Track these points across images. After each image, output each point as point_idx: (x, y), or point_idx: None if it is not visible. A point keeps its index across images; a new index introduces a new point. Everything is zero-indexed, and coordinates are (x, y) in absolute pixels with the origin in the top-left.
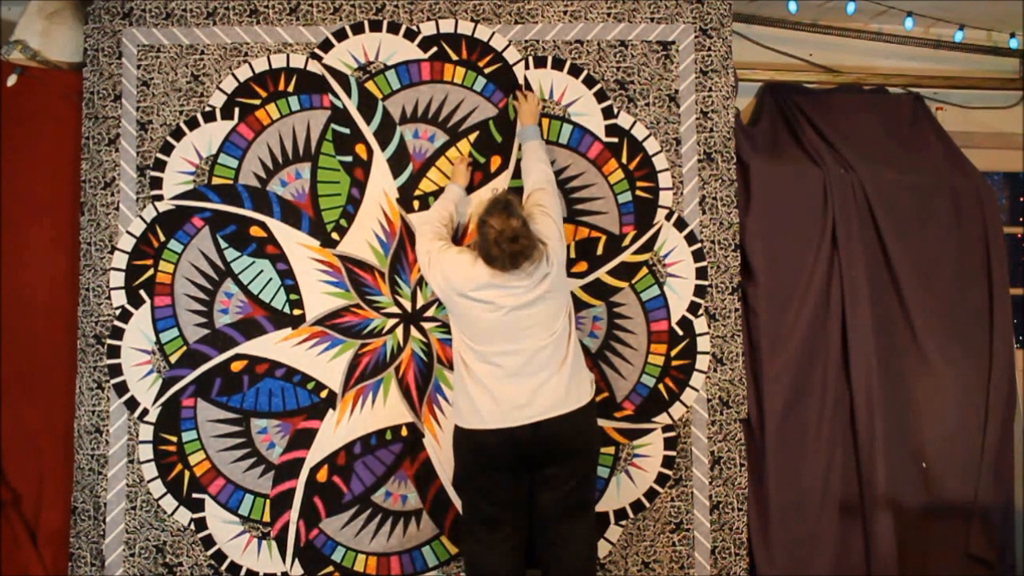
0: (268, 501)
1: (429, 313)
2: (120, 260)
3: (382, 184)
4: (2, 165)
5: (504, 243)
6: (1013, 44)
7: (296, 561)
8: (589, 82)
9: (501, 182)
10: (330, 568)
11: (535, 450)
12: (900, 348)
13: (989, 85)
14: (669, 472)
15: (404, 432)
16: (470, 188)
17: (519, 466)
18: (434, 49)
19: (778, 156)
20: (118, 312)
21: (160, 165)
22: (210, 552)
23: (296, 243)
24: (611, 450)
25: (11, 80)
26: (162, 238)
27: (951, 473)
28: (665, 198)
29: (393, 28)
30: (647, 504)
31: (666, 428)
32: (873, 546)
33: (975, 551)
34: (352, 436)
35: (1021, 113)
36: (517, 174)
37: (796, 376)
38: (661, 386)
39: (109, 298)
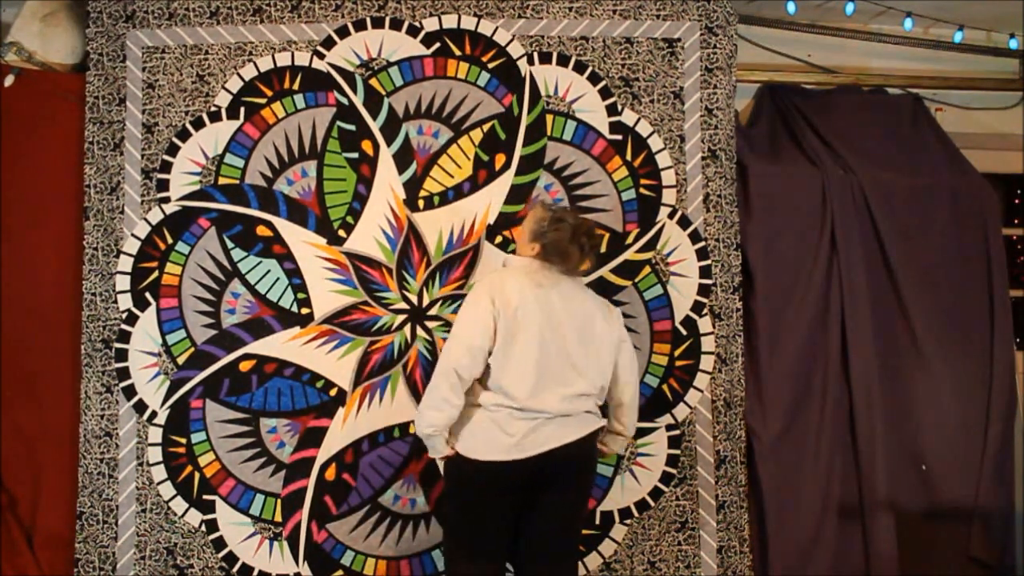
0: (279, 501)
1: (433, 312)
2: (126, 263)
3: (388, 180)
4: (2, 167)
5: (583, 237)
6: (1013, 44)
7: (306, 564)
8: (594, 79)
9: (504, 181)
10: (339, 572)
11: (542, 474)
12: (900, 350)
13: (988, 86)
14: (674, 471)
15: (412, 429)
16: (475, 186)
17: (520, 492)
18: (437, 45)
19: (777, 158)
20: (124, 316)
21: (166, 167)
22: (221, 554)
23: (303, 242)
24: None
25: (8, 80)
26: (169, 240)
27: (951, 475)
28: (668, 196)
29: (395, 24)
30: (652, 503)
31: (670, 427)
32: (874, 548)
33: (976, 553)
34: (360, 433)
35: (1021, 114)
36: (520, 172)
37: (796, 379)
38: (665, 387)
39: (116, 302)
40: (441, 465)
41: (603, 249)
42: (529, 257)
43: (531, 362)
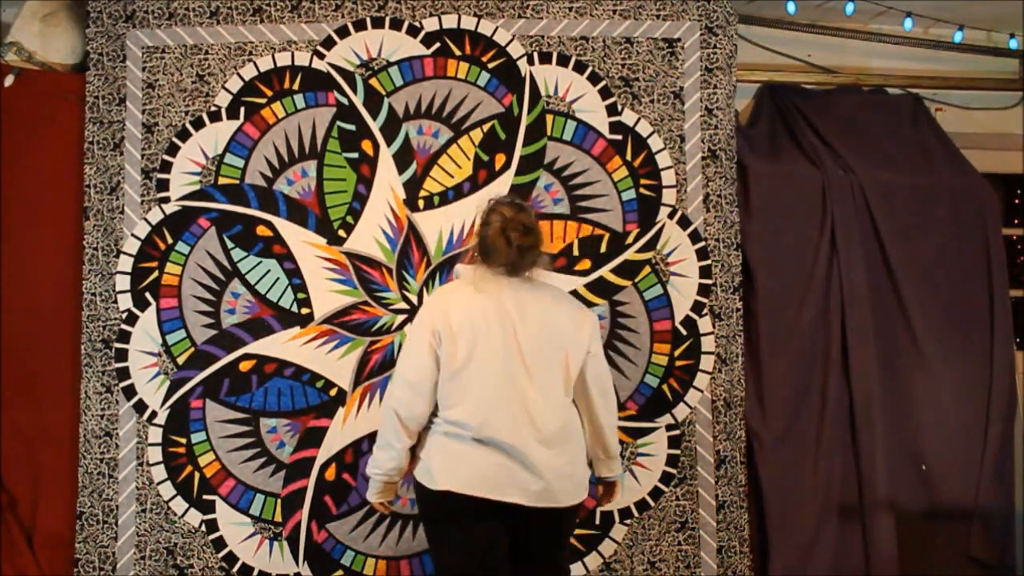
0: (279, 501)
1: None
2: (126, 263)
3: (388, 180)
4: (2, 167)
5: (513, 232)
6: (1013, 44)
7: (306, 564)
8: (594, 79)
9: (504, 181)
10: (339, 572)
11: (515, 520)
12: (900, 350)
13: (988, 86)
14: (674, 471)
15: None
16: (475, 186)
17: (495, 522)
18: (437, 45)
19: (777, 157)
20: (124, 316)
21: (166, 167)
22: (221, 554)
23: (303, 242)
24: None
25: (8, 81)
26: (169, 240)
27: (951, 475)
28: (668, 196)
29: (395, 24)
30: (652, 503)
31: (670, 427)
32: (874, 548)
33: (976, 553)
34: (360, 433)
35: (1021, 114)
36: (520, 172)
37: (797, 378)
38: (665, 387)
39: (116, 302)
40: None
41: (603, 249)
42: (474, 264)
43: (484, 383)
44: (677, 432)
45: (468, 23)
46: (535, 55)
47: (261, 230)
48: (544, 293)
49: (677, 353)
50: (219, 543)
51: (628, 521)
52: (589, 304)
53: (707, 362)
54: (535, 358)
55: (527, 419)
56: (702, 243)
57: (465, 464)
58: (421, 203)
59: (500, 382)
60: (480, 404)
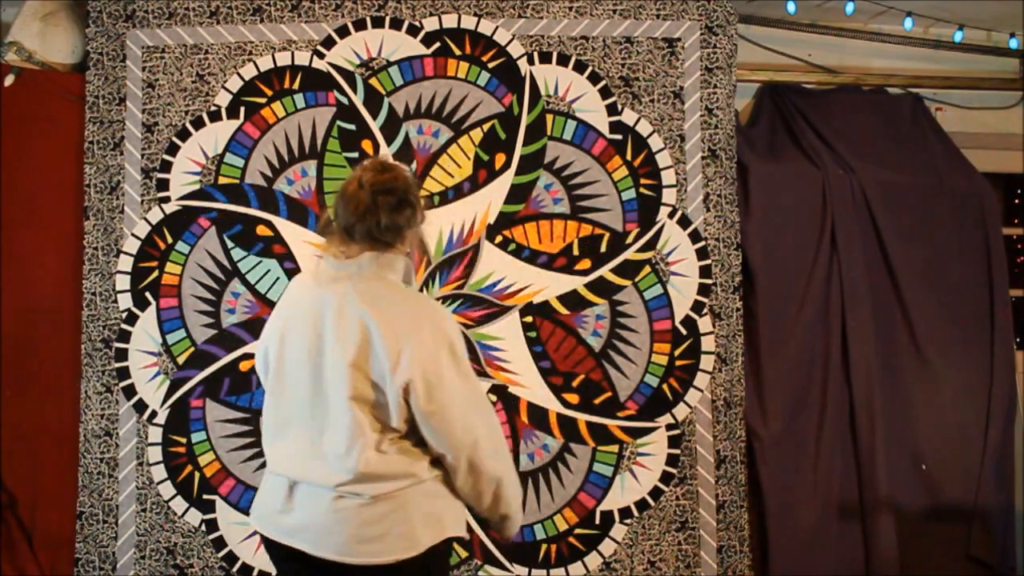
0: None
1: None
2: (126, 263)
3: None
4: (2, 167)
5: (367, 173)
6: (1013, 44)
7: None
8: (594, 78)
9: (504, 181)
10: None
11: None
12: (900, 349)
13: (989, 85)
14: (674, 471)
15: None
16: (475, 185)
17: None
18: (437, 44)
19: (777, 157)
20: (124, 315)
21: (166, 166)
22: (221, 554)
23: (303, 241)
24: (615, 448)
25: (8, 80)
26: (169, 240)
27: (951, 475)
28: (669, 195)
29: (395, 24)
30: (652, 503)
31: (670, 426)
32: (874, 548)
33: (976, 553)
34: None
35: (1021, 113)
36: (520, 171)
37: (796, 378)
38: (665, 386)
39: (116, 302)
40: None
41: (603, 249)
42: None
43: (279, 402)
44: (677, 432)
45: (468, 23)
46: (535, 55)
47: (261, 230)
48: (391, 297)
49: (677, 353)
50: (219, 543)
51: (628, 521)
52: (589, 304)
53: (707, 362)
54: (344, 380)
55: (315, 454)
56: (702, 243)
57: (264, 495)
58: (421, 203)
59: (297, 403)
60: (269, 428)
